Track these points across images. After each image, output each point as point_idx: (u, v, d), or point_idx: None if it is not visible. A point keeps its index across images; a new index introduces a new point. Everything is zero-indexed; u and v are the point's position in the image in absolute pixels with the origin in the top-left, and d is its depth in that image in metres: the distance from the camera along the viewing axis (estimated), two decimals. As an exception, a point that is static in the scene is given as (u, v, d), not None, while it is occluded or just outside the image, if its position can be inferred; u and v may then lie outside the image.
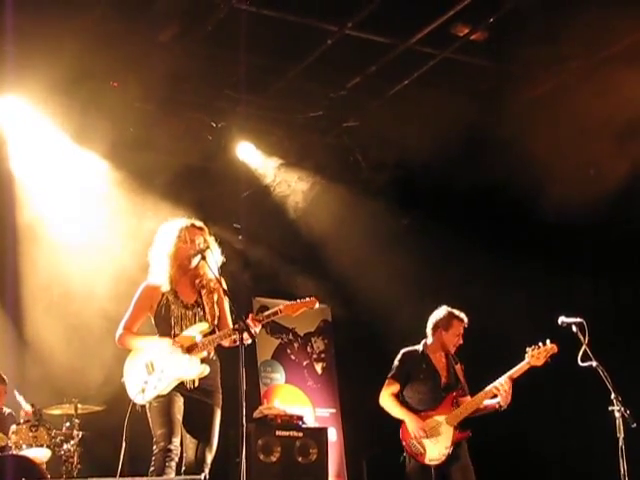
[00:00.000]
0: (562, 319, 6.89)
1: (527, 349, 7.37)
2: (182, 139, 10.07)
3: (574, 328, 6.80)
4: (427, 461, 7.36)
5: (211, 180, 10.65)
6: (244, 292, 11.04)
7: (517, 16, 8.26)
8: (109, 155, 9.80)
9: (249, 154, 10.51)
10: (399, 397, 7.65)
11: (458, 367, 7.75)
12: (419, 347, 7.77)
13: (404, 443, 7.47)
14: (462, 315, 7.72)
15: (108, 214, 9.94)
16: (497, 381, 7.38)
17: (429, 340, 7.75)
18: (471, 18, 8.57)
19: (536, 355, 7.32)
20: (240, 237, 11.37)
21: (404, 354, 7.78)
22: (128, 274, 9.07)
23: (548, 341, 7.32)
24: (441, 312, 7.75)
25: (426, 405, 7.54)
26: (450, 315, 7.71)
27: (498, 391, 7.34)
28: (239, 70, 9.24)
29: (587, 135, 8.62)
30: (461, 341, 7.69)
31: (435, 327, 7.73)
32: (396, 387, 7.67)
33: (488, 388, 7.41)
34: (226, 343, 6.47)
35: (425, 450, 7.37)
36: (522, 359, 7.36)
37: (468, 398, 7.54)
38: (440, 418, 7.44)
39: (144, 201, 9.91)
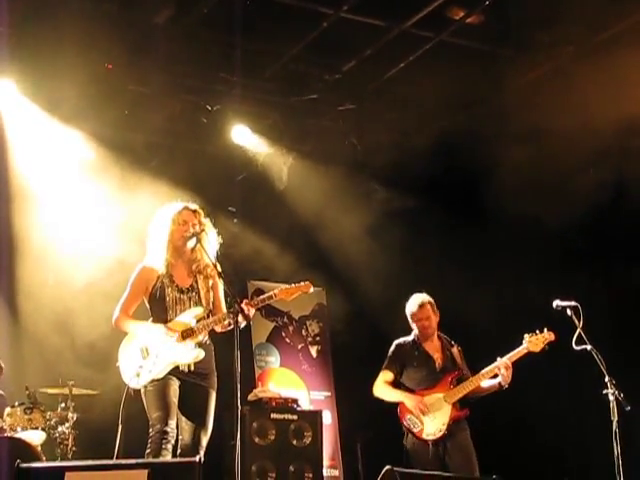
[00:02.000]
0: (557, 303, 6.92)
1: (525, 335, 7.41)
2: (177, 122, 10.05)
3: (569, 312, 6.83)
4: (424, 436, 7.42)
5: (206, 163, 10.63)
6: (239, 275, 11.04)
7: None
8: (104, 138, 9.79)
9: (244, 137, 10.48)
10: (394, 384, 7.68)
11: (455, 350, 7.78)
12: (410, 337, 7.83)
13: (402, 420, 7.52)
14: (414, 301, 7.78)
15: (102, 197, 9.92)
16: (496, 362, 7.42)
17: (415, 330, 7.81)
18: (467, 1, 8.56)
19: (534, 341, 7.38)
20: (235, 220, 11.36)
21: (397, 345, 7.85)
22: (123, 256, 9.09)
23: (546, 329, 7.37)
24: (407, 304, 7.84)
25: (423, 387, 7.60)
26: (407, 306, 7.83)
27: (499, 370, 7.39)
28: (234, 53, 9.21)
29: (584, 119, 8.61)
30: (426, 322, 7.71)
31: (409, 317, 7.82)
32: (390, 375, 7.72)
33: (488, 368, 7.45)
34: (219, 328, 6.48)
35: (423, 425, 7.43)
36: (517, 345, 7.41)
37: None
38: (438, 395, 7.50)
39: (139, 184, 9.89)
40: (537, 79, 9.33)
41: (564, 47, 8.97)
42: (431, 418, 7.42)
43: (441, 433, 7.39)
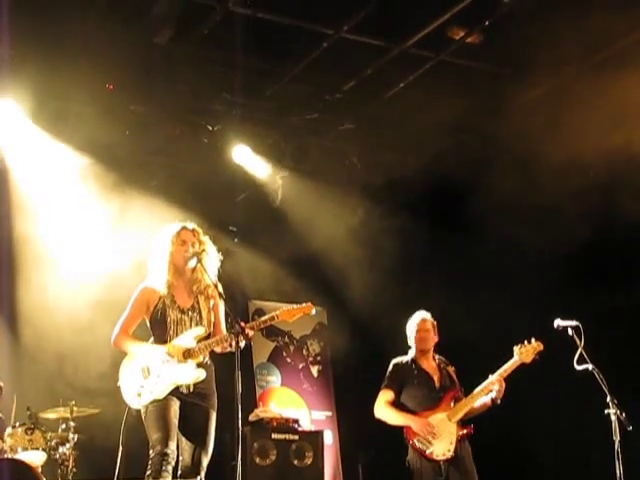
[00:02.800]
0: (558, 322, 6.90)
1: (514, 347, 7.43)
2: (178, 142, 10.06)
3: (570, 331, 6.82)
4: (435, 457, 7.39)
5: (207, 183, 10.64)
6: (239, 295, 11.04)
7: (512, 19, 8.26)
8: (105, 158, 9.80)
9: (245, 157, 10.50)
10: (395, 404, 7.66)
11: (450, 369, 7.79)
12: (408, 356, 7.83)
13: (410, 442, 7.48)
14: (416, 316, 7.83)
15: (103, 217, 9.93)
16: (490, 378, 7.43)
17: (412, 348, 7.81)
18: (467, 21, 8.57)
19: (524, 352, 7.41)
20: (236, 240, 11.37)
21: (395, 364, 7.84)
22: (123, 277, 9.09)
23: (533, 339, 7.40)
24: (409, 321, 7.88)
25: (424, 407, 7.57)
26: (409, 321, 7.86)
27: (492, 386, 7.39)
28: (235, 73, 9.24)
29: (583, 137, 8.62)
30: (425, 334, 7.74)
31: (409, 334, 7.84)
32: (390, 395, 7.68)
33: (482, 385, 7.45)
34: (219, 349, 6.47)
35: (432, 446, 7.40)
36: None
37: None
38: (441, 415, 7.48)
39: (140, 203, 9.90)
40: (537, 99, 9.35)
41: (564, 67, 8.99)
42: (439, 439, 7.40)
43: (450, 453, 7.37)
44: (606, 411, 6.59)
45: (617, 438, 6.47)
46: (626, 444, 6.46)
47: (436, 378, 7.68)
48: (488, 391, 7.46)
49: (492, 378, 7.43)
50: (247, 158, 10.51)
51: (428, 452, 7.39)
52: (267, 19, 8.39)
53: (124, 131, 9.73)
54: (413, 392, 7.64)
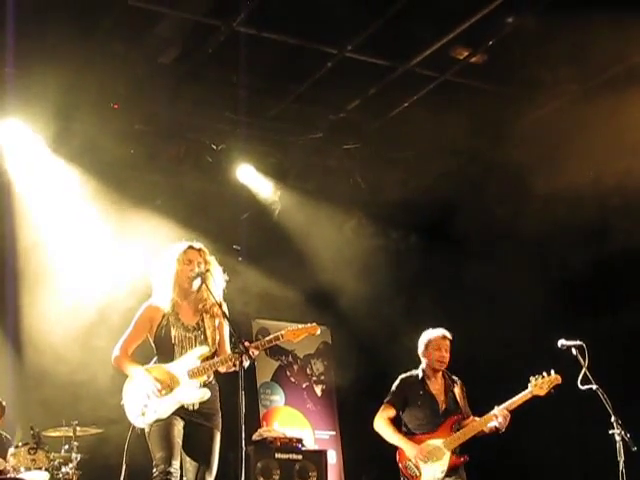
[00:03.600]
0: (562, 342, 6.86)
1: (530, 378, 7.32)
2: (182, 161, 10.09)
3: (574, 351, 6.78)
4: None
5: (211, 202, 10.66)
6: (243, 314, 11.02)
7: (516, 39, 8.29)
8: (109, 176, 9.81)
9: (249, 176, 10.51)
10: (395, 422, 7.60)
11: (457, 389, 7.69)
12: (417, 372, 7.70)
13: (400, 465, 7.39)
14: (438, 330, 7.69)
15: (107, 234, 9.93)
16: (495, 409, 7.33)
17: (423, 364, 7.71)
18: (471, 41, 8.60)
19: (539, 385, 7.26)
20: (240, 259, 11.37)
21: (402, 380, 7.70)
22: (126, 295, 9.09)
23: (552, 371, 7.27)
24: (424, 334, 7.74)
25: (424, 430, 7.45)
26: (427, 334, 7.70)
27: (496, 418, 7.30)
28: (239, 92, 9.28)
29: (586, 156, 8.64)
30: (445, 354, 7.63)
31: (421, 349, 7.70)
32: (392, 412, 7.58)
33: (487, 415, 7.36)
34: (223, 369, 6.45)
35: (421, 473, 7.28)
36: (521, 381, 7.36)
37: (470, 420, 7.50)
38: (438, 442, 7.34)
39: (144, 222, 9.91)
40: (541, 118, 9.37)
41: (568, 86, 9.01)
42: (430, 465, 7.29)
43: None
44: (610, 431, 6.56)
45: (621, 458, 6.44)
46: (631, 464, 6.43)
47: (441, 401, 7.54)
48: (489, 421, 7.38)
49: (496, 411, 7.33)
50: (251, 177, 10.53)
51: (416, 478, 7.30)
52: (271, 39, 8.43)
53: (128, 150, 9.76)
54: (415, 413, 7.55)
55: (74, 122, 9.26)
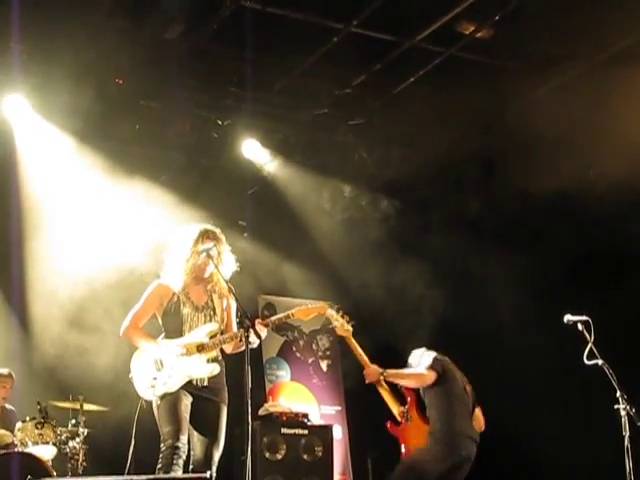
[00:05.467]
0: (568, 317, 6.88)
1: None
2: (188, 136, 10.08)
3: (580, 326, 6.80)
4: None
5: (216, 177, 10.66)
6: (249, 290, 11.03)
7: (522, 14, 8.25)
8: (115, 152, 9.81)
9: (254, 151, 10.50)
10: None
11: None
12: None
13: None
14: None
15: (112, 208, 9.94)
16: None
17: None
18: (476, 16, 8.55)
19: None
20: (245, 234, 11.38)
21: None
22: (133, 269, 9.12)
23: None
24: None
25: None
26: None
27: None
28: (245, 68, 9.24)
29: (591, 133, 8.62)
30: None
31: None
32: None
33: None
34: (229, 349, 6.49)
35: None
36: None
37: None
38: None
39: (149, 197, 9.92)
40: (546, 93, 9.33)
41: (574, 62, 8.97)
42: None
43: None
44: (616, 406, 6.58)
45: (627, 433, 6.46)
46: (636, 439, 6.45)
47: None
48: None
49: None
50: (257, 152, 10.52)
51: None
52: (277, 14, 8.39)
53: (134, 126, 9.76)
54: None
55: (79, 97, 9.23)
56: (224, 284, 6.43)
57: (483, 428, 7.67)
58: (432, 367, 7.51)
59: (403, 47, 8.97)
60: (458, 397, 7.51)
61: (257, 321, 6.27)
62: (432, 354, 7.69)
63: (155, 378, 6.30)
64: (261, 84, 9.61)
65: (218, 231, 6.64)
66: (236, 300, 6.35)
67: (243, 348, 5.95)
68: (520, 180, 9.24)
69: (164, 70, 9.15)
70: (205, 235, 6.54)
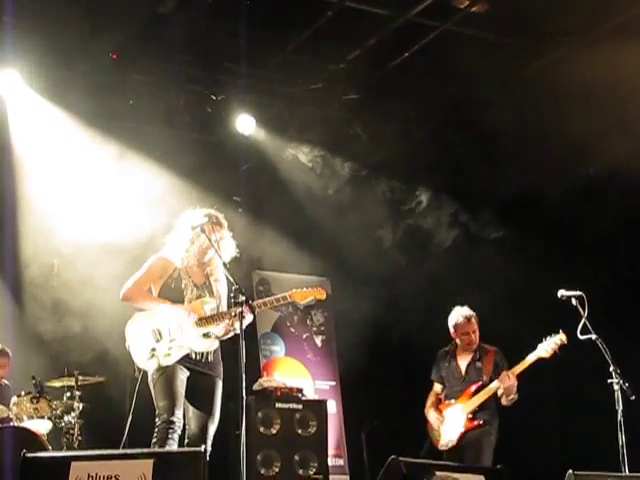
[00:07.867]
0: (562, 292, 6.91)
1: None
2: (182, 111, 10.05)
3: (574, 301, 6.83)
4: (439, 446, 7.83)
5: (210, 152, 10.63)
6: (243, 265, 11.03)
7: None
8: (108, 127, 9.78)
9: (249, 127, 10.48)
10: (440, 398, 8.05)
11: (487, 358, 7.87)
12: (448, 347, 8.14)
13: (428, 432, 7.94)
14: (462, 313, 7.96)
15: (106, 185, 9.91)
16: (503, 374, 7.61)
17: (457, 341, 8.07)
18: (471, -10, 8.53)
19: (544, 346, 7.56)
20: (240, 210, 11.35)
21: (437, 355, 8.21)
22: (126, 243, 9.11)
23: (561, 332, 7.51)
24: (450, 316, 8.04)
25: (450, 398, 7.94)
26: (454, 316, 8.02)
27: (499, 384, 7.63)
28: (239, 42, 9.20)
29: (587, 108, 8.60)
30: (472, 336, 7.94)
31: (451, 330, 8.06)
32: (438, 387, 8.12)
33: (496, 382, 7.66)
34: (221, 332, 6.47)
35: (440, 437, 7.81)
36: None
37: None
38: (457, 407, 7.78)
39: (143, 173, 9.89)
40: (542, 68, 9.31)
41: (569, 36, 8.94)
42: (447, 429, 7.78)
43: (452, 444, 7.75)
44: (609, 381, 6.61)
45: (620, 407, 6.50)
46: (629, 413, 6.48)
47: (463, 371, 7.94)
48: (496, 387, 7.67)
49: (502, 375, 7.63)
50: (251, 128, 10.50)
51: (436, 442, 7.86)
52: (271, -12, 8.36)
53: (127, 100, 9.73)
54: (445, 384, 8.07)
55: (72, 72, 9.19)
56: (222, 268, 6.46)
57: None
58: None
59: (398, 21, 8.93)
60: None
61: (256, 303, 6.29)
62: None
63: (154, 349, 6.30)
64: (255, 59, 9.57)
65: (221, 216, 6.65)
66: (232, 278, 6.32)
67: (232, 334, 6.08)
68: (518, 157, 9.25)
69: (158, 45, 9.10)
70: (209, 224, 6.52)
